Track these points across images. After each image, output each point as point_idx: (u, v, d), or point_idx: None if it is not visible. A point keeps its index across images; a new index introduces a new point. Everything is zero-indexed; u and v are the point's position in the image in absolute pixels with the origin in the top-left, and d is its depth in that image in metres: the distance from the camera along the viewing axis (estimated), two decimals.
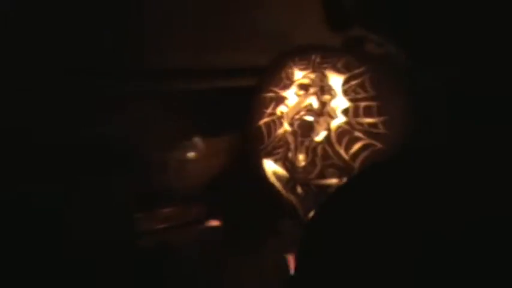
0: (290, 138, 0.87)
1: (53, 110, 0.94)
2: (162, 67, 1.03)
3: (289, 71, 0.89)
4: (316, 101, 0.86)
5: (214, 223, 0.96)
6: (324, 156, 0.84)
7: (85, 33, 0.99)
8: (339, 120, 0.84)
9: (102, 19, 1.00)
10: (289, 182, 0.87)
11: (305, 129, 0.86)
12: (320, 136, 0.85)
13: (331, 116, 0.85)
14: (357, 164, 0.83)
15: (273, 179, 0.89)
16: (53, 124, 0.94)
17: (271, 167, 0.89)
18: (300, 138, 0.86)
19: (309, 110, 0.86)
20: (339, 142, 0.84)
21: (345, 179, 0.83)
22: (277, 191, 0.89)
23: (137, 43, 1.01)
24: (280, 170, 0.88)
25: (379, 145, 0.82)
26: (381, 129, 0.82)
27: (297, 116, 0.87)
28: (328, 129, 0.84)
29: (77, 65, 0.99)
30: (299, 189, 0.87)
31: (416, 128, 0.84)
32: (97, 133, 0.95)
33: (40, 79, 0.95)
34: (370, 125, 0.83)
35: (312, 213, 0.86)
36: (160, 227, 0.94)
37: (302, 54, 0.90)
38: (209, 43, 1.02)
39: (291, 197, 0.88)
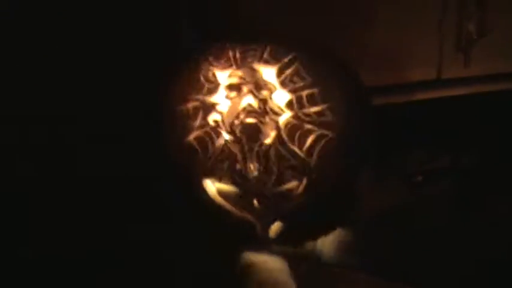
0: (234, 148, 0.75)
1: None
2: None
3: (209, 73, 0.77)
4: (254, 100, 0.75)
5: None
6: (279, 159, 0.75)
7: None
8: (286, 115, 0.75)
9: None
10: (242, 198, 0.76)
11: (251, 134, 0.75)
12: (270, 137, 0.75)
13: (276, 113, 0.75)
14: (313, 159, 0.75)
15: (219, 199, 0.76)
16: None
17: (213, 186, 0.76)
18: (247, 145, 0.75)
19: (249, 111, 0.75)
20: (292, 139, 0.75)
21: (304, 180, 0.75)
22: (228, 211, 0.76)
23: None
24: (227, 187, 0.76)
25: (330, 134, 0.75)
26: (329, 116, 0.75)
27: (237, 121, 0.75)
28: (277, 128, 0.75)
29: None
30: (255, 203, 0.76)
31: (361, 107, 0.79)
32: None
33: None
34: (318, 113, 0.75)
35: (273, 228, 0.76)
36: None
37: (216, 53, 0.78)
38: None
39: (246, 214, 0.76)
